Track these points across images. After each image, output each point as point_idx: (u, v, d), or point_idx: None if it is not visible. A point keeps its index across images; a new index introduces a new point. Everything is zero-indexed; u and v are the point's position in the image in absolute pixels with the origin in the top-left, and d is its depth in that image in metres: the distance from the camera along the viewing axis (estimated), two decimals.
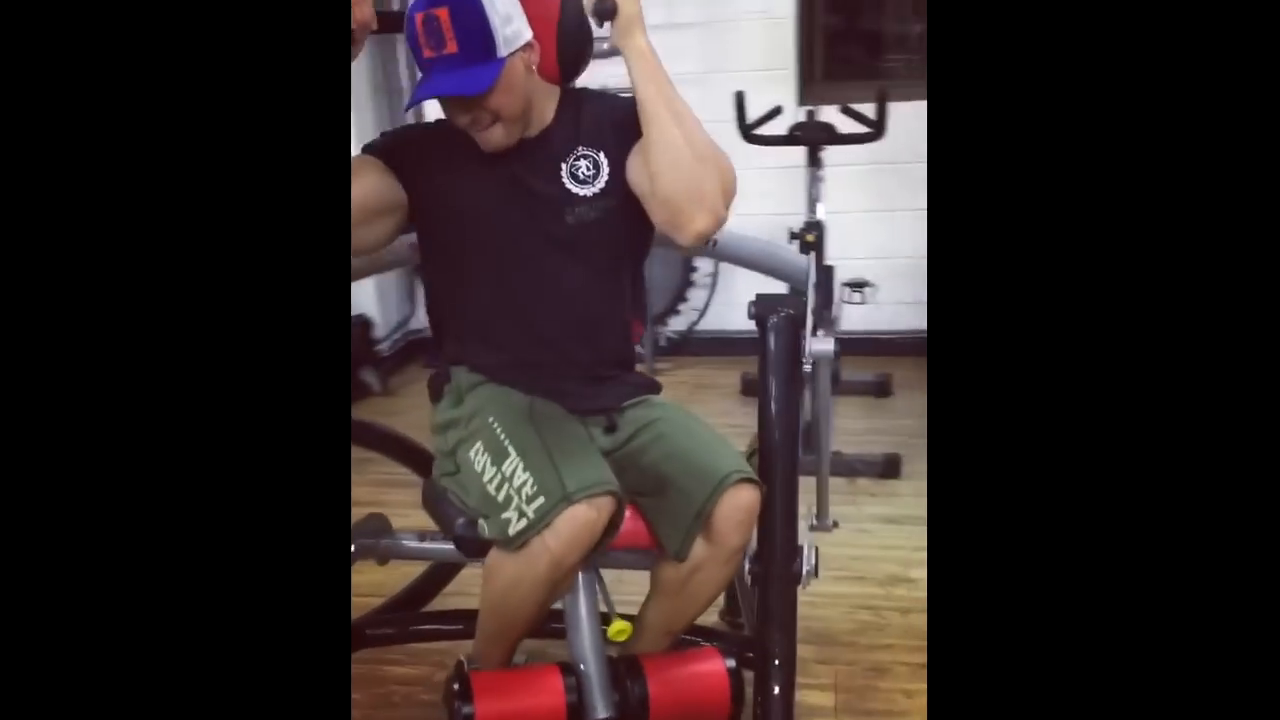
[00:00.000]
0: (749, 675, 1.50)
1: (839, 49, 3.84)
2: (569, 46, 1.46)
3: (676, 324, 4.00)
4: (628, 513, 1.37)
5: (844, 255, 3.26)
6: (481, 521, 1.34)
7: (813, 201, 2.94)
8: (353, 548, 1.62)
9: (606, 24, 1.34)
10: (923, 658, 1.92)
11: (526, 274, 1.46)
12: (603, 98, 1.50)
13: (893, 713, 1.75)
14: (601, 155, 1.43)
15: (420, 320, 3.90)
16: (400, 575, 2.00)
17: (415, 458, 1.89)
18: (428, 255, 1.55)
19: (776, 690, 1.46)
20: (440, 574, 1.99)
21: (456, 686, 1.35)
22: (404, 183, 1.45)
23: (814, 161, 2.89)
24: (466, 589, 2.01)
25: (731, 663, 1.42)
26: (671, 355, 3.95)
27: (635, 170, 1.39)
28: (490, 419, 1.40)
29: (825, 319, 2.45)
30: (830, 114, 3.03)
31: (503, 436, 1.36)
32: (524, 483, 1.29)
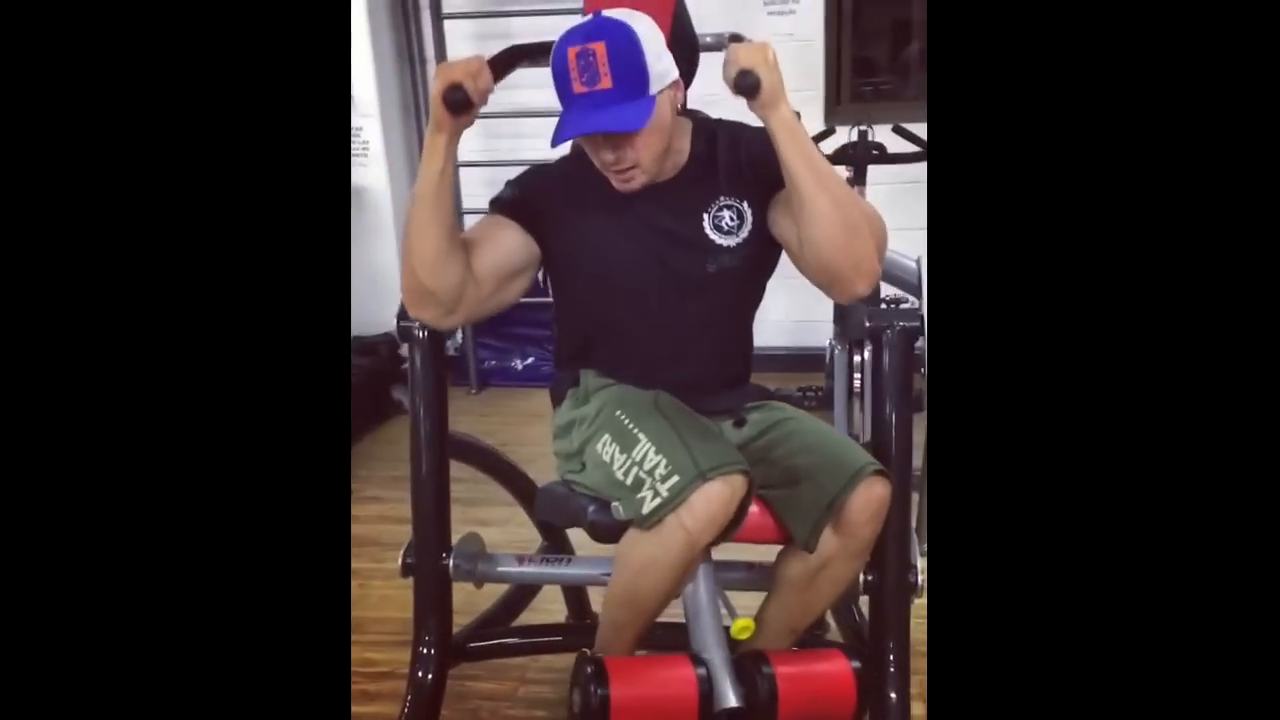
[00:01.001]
0: None
1: (864, 72, 3.91)
2: (683, 52, 1.42)
3: None
4: (755, 508, 1.38)
5: None
6: (615, 504, 1.35)
7: None
8: (450, 567, 1.65)
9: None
10: None
11: (661, 315, 1.48)
12: (736, 131, 1.48)
13: None
14: (745, 205, 1.44)
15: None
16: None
17: (507, 473, 1.91)
18: (559, 293, 1.57)
19: (894, 696, 1.51)
20: (519, 597, 2.01)
21: (590, 670, 1.35)
22: (536, 237, 1.46)
23: (860, 179, 2.95)
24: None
25: (857, 663, 1.43)
26: None
27: (782, 224, 1.39)
28: (617, 412, 1.42)
29: None
30: (883, 133, 3.07)
31: (630, 425, 1.38)
32: (656, 464, 1.30)
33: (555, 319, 1.64)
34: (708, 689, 1.36)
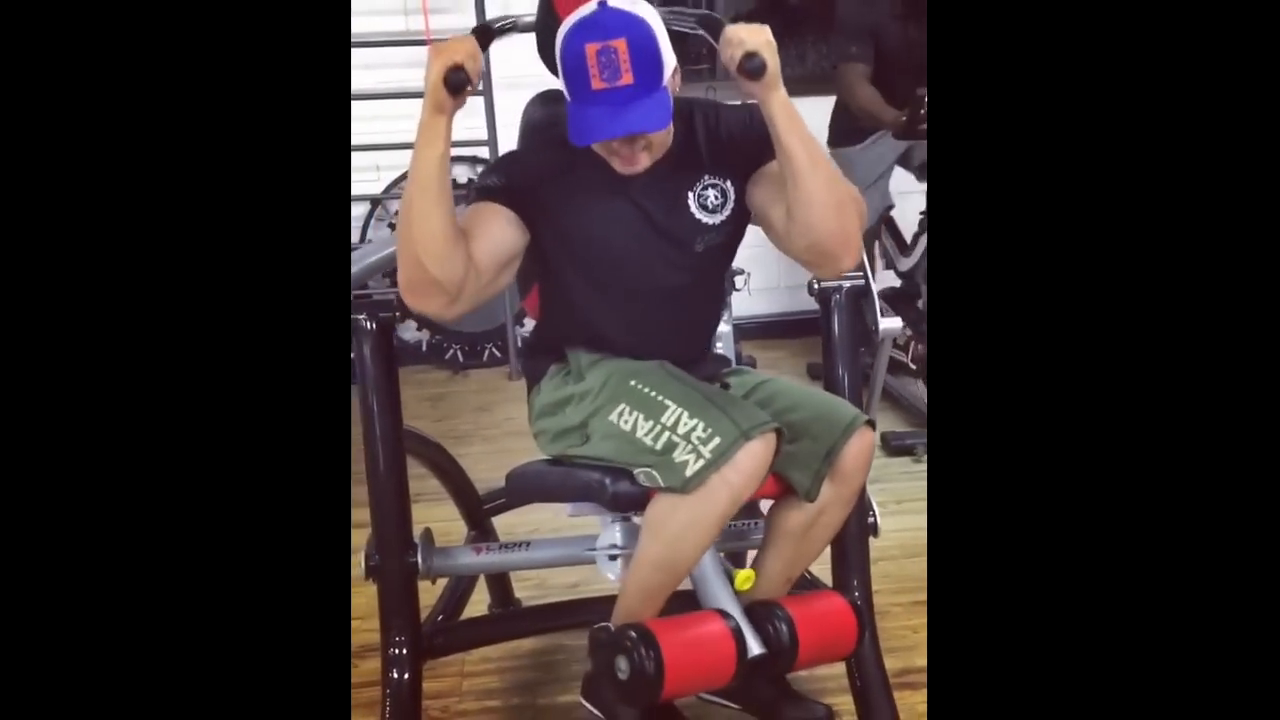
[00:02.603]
0: None
1: None
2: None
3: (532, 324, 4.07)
4: None
5: None
6: (647, 470, 1.36)
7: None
8: (419, 564, 1.61)
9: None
10: (911, 598, 2.16)
11: (648, 293, 1.51)
12: (713, 110, 1.52)
13: (904, 646, 1.97)
14: (728, 183, 1.48)
15: None
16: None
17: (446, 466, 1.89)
18: (545, 278, 1.57)
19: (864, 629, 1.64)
20: (462, 592, 2.00)
21: (635, 635, 1.35)
22: (527, 222, 1.45)
23: None
24: None
25: (854, 598, 1.55)
26: None
27: (762, 202, 1.44)
28: (631, 381, 1.43)
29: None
30: None
31: (652, 392, 1.40)
32: (694, 427, 1.33)
33: (540, 304, 1.63)
34: (741, 640, 1.41)
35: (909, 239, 3.38)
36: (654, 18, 1.34)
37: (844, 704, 1.71)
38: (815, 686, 1.81)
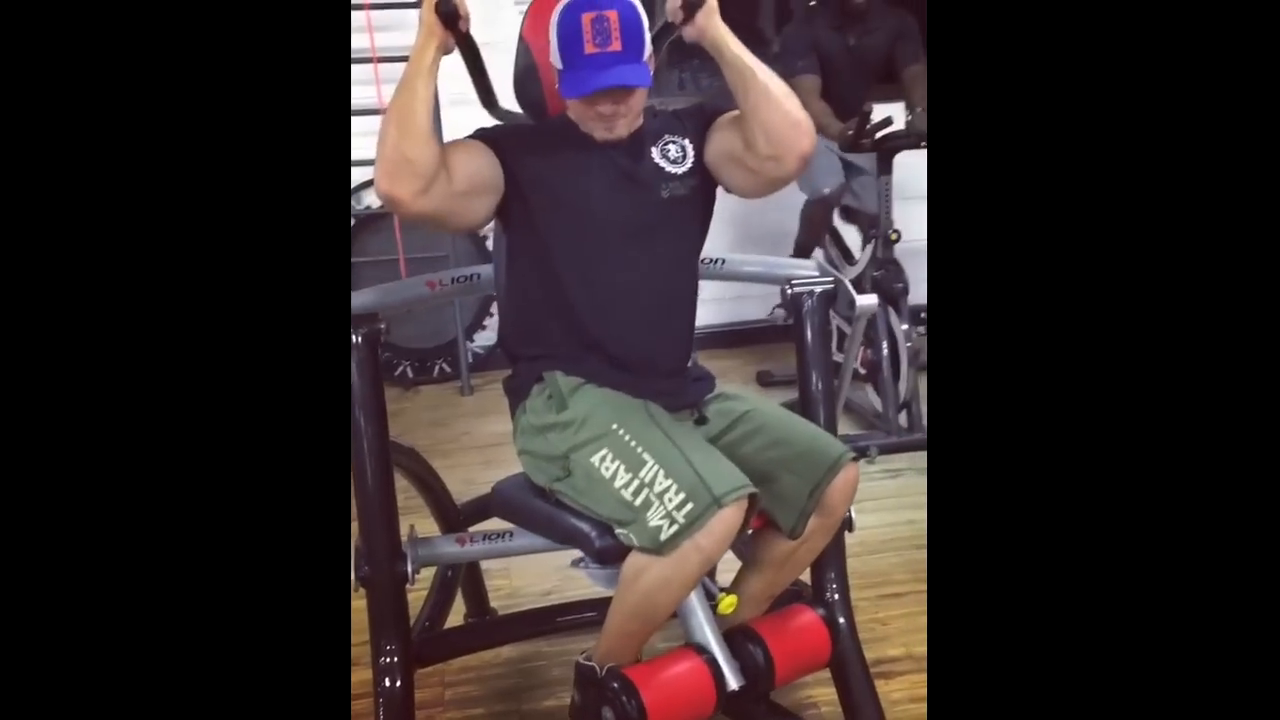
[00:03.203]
0: None
1: None
2: None
3: (482, 339, 4.08)
4: None
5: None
6: (624, 531, 1.41)
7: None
8: (409, 571, 1.63)
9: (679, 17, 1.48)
10: (876, 592, 2.24)
11: (620, 258, 1.57)
12: (668, 110, 1.69)
13: (875, 639, 2.04)
14: (686, 141, 1.62)
15: None
16: None
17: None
18: (518, 250, 1.62)
19: (842, 620, 1.70)
20: (444, 599, 2.02)
21: (617, 684, 1.43)
22: (505, 167, 1.55)
23: (886, 170, 3.12)
24: None
25: (822, 611, 1.61)
26: (480, 370, 4.02)
27: (717, 145, 1.59)
28: (614, 426, 1.47)
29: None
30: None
31: (633, 443, 1.44)
32: (667, 488, 1.37)
33: (508, 286, 1.68)
34: (719, 674, 1.48)
35: (855, 252, 3.49)
36: (637, 3, 1.52)
37: (828, 695, 1.78)
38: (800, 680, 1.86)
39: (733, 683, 1.49)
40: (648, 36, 1.51)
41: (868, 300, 1.81)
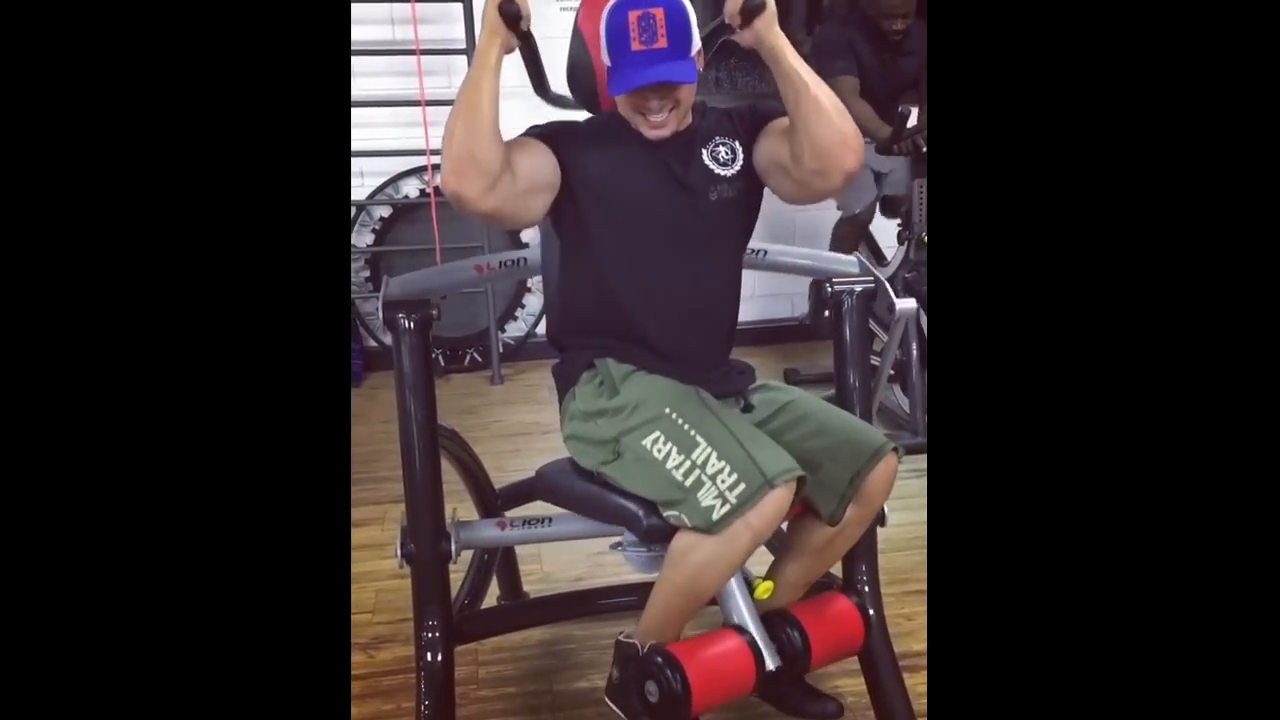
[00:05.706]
0: None
1: None
2: None
3: (513, 330, 4.13)
4: None
5: None
6: (674, 512, 1.45)
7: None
8: (453, 549, 1.68)
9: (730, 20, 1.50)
10: (902, 589, 2.28)
11: (668, 260, 1.61)
12: (721, 108, 1.70)
13: (901, 633, 2.08)
14: (736, 143, 1.64)
15: None
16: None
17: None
18: (568, 247, 1.66)
19: (872, 611, 1.73)
20: (481, 580, 2.07)
21: (661, 660, 1.46)
22: (562, 163, 1.58)
23: (921, 173, 3.07)
24: None
25: (857, 598, 1.65)
26: (510, 360, 4.07)
27: (769, 148, 1.60)
28: (666, 409, 1.51)
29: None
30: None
31: (686, 426, 1.48)
32: (720, 470, 1.41)
33: (558, 279, 1.72)
34: (759, 653, 1.52)
35: (887, 254, 3.52)
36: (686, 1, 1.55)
37: (853, 685, 1.82)
38: (830, 669, 1.90)
39: (771, 663, 1.52)
40: (696, 34, 1.53)
41: (907, 304, 1.83)
